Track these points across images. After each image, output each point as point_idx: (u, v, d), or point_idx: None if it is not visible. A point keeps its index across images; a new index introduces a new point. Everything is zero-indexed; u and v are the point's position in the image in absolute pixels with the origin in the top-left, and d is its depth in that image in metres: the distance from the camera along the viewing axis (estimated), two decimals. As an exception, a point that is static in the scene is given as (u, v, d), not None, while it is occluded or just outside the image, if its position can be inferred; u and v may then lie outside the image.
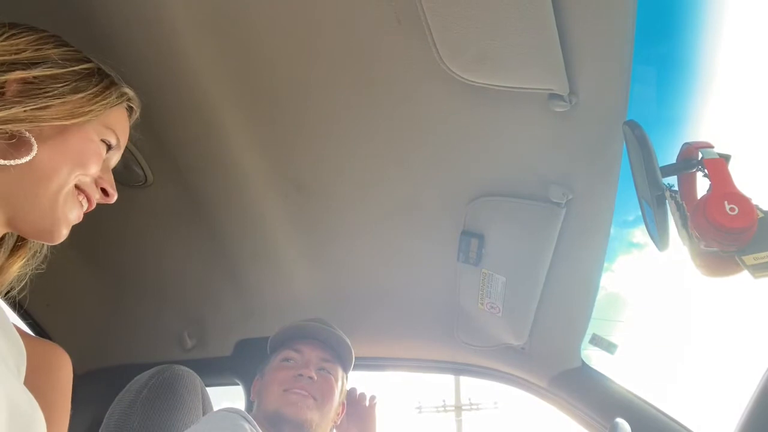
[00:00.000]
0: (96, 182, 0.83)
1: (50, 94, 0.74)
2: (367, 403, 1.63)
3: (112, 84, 0.84)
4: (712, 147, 0.90)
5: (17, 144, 0.71)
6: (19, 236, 0.84)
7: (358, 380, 1.72)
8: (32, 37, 0.77)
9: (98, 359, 1.85)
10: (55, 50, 0.78)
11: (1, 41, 0.74)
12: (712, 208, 0.79)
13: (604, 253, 1.37)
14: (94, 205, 0.84)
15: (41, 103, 0.73)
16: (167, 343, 1.85)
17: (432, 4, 0.88)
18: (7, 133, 0.70)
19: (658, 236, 0.98)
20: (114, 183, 0.86)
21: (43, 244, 0.87)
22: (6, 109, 0.70)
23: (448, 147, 1.26)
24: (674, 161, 0.95)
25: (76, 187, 0.79)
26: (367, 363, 1.90)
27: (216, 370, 1.85)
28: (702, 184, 0.91)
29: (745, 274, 0.80)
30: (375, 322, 1.81)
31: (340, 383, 1.48)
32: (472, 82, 1.03)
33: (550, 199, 1.27)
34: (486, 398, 16.68)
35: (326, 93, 1.17)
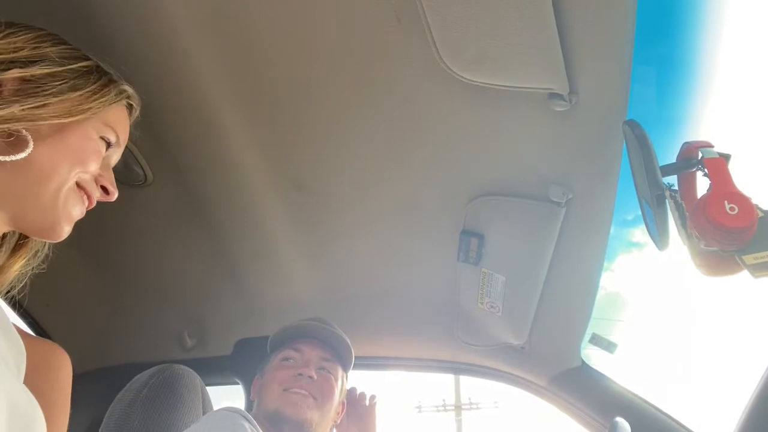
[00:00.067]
0: (96, 180, 0.83)
1: (48, 92, 0.74)
2: (367, 403, 1.63)
3: (111, 81, 0.84)
4: (712, 146, 0.90)
5: (15, 142, 0.71)
6: (20, 235, 0.84)
7: (358, 380, 1.72)
8: (30, 35, 0.77)
9: (98, 359, 1.85)
10: (53, 48, 0.78)
11: None
12: (712, 207, 0.79)
13: (604, 252, 1.37)
14: (94, 203, 0.83)
15: (39, 101, 0.72)
16: (167, 342, 1.85)
17: (432, 3, 0.88)
18: (5, 131, 0.70)
19: (658, 236, 0.98)
20: (114, 181, 0.86)
21: (44, 244, 0.87)
22: (4, 107, 0.70)
23: (448, 147, 1.26)
24: (674, 161, 0.95)
25: (77, 184, 0.79)
26: (367, 362, 1.90)
27: (216, 370, 1.85)
28: (702, 184, 0.91)
29: (745, 274, 0.80)
30: (375, 322, 1.81)
31: (340, 383, 1.48)
32: (472, 81, 1.03)
33: (550, 199, 1.27)
34: (486, 398, 16.69)
35: (326, 93, 1.17)
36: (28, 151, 0.71)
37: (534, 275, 1.44)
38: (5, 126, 0.70)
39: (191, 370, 1.48)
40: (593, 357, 1.70)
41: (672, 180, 0.94)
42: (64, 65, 0.77)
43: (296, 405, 1.35)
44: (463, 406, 16.27)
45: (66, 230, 0.79)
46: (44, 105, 0.73)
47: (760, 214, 0.79)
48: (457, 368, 1.90)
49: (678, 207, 0.89)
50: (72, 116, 0.75)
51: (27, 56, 0.75)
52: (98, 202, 0.84)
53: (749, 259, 0.79)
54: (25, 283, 0.86)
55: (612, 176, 1.19)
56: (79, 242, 1.16)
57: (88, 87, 0.79)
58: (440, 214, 1.44)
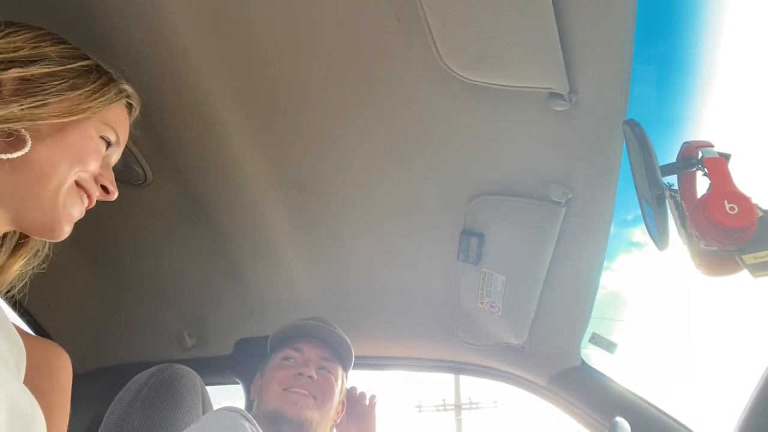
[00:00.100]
0: (96, 179, 0.82)
1: (48, 91, 0.74)
2: (367, 402, 1.63)
3: (111, 81, 0.84)
4: (712, 146, 0.90)
5: (15, 142, 0.71)
6: (20, 235, 0.84)
7: (358, 379, 1.72)
8: (30, 34, 0.77)
9: (98, 358, 1.85)
10: (53, 48, 0.78)
11: None
12: (712, 207, 0.79)
13: (603, 252, 1.37)
14: (94, 202, 0.83)
15: (39, 101, 0.72)
16: (167, 342, 1.85)
17: (432, 2, 0.88)
18: (5, 131, 0.70)
19: (658, 235, 0.98)
20: (114, 180, 0.86)
21: (44, 244, 0.87)
22: (3, 107, 0.69)
23: (448, 146, 1.26)
24: (674, 160, 0.95)
25: (77, 183, 0.79)
26: (367, 362, 1.90)
27: (216, 369, 1.85)
28: (702, 183, 0.91)
29: (744, 274, 0.80)
30: (375, 322, 1.81)
31: (340, 382, 1.48)
32: (472, 80, 1.03)
33: (550, 198, 1.27)
34: (486, 397, 16.69)
35: (326, 93, 1.17)
36: (26, 149, 0.71)
37: (534, 275, 1.44)
38: (5, 126, 0.69)
39: (191, 369, 1.48)
40: (593, 356, 1.70)
41: (672, 180, 0.93)
42: (64, 64, 0.77)
43: (296, 404, 1.35)
44: (463, 406, 16.28)
45: (66, 230, 0.79)
46: (44, 104, 0.73)
47: (760, 214, 0.79)
48: (457, 368, 1.90)
49: (678, 207, 0.89)
50: (72, 116, 0.75)
51: (27, 56, 0.75)
52: (98, 202, 0.84)
53: (749, 258, 0.79)
54: (26, 282, 0.86)
55: (612, 176, 1.19)
56: (79, 242, 1.16)
57: (88, 86, 0.79)
58: (440, 214, 1.44)
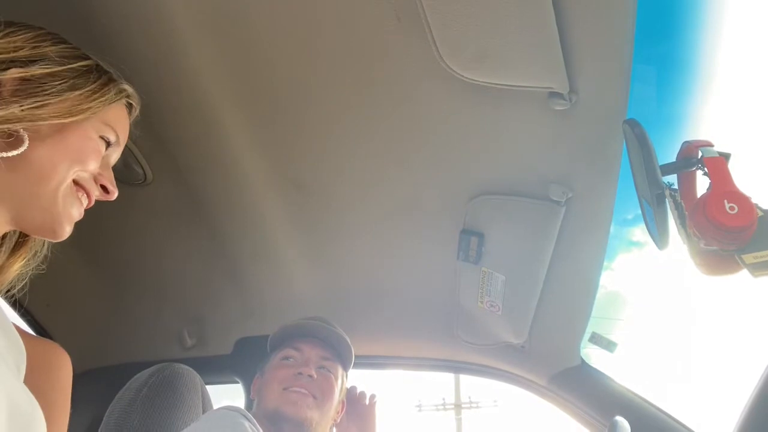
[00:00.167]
0: (95, 179, 0.82)
1: (48, 92, 0.74)
2: (367, 402, 1.63)
3: (111, 81, 0.84)
4: (712, 145, 0.90)
5: (15, 142, 0.71)
6: (20, 235, 0.84)
7: (358, 379, 1.72)
8: (30, 34, 0.77)
9: (98, 358, 1.85)
10: (53, 47, 0.78)
11: None
12: (711, 206, 0.79)
13: (603, 251, 1.37)
14: (93, 202, 0.83)
15: (39, 101, 0.72)
16: (167, 341, 1.85)
17: (432, 1, 0.88)
18: (5, 132, 0.70)
19: (658, 235, 0.98)
20: (114, 180, 0.86)
21: (43, 244, 0.87)
22: (4, 108, 0.69)
23: (448, 146, 1.26)
24: (674, 160, 0.95)
25: (75, 182, 0.79)
26: (367, 361, 1.91)
27: (216, 369, 1.85)
28: (702, 183, 0.91)
29: (744, 273, 0.80)
30: (375, 321, 1.81)
31: (340, 382, 1.48)
32: (472, 80, 1.03)
33: (550, 198, 1.27)
34: (486, 396, 16.68)
35: (326, 93, 1.17)
36: (23, 148, 0.71)
37: (534, 274, 1.44)
38: (5, 126, 0.69)
39: (191, 369, 1.48)
40: (593, 356, 1.70)
41: (672, 179, 0.94)
42: (64, 65, 0.77)
43: (296, 404, 1.35)
44: (462, 405, 16.28)
45: (67, 230, 0.79)
46: (44, 105, 0.73)
47: (760, 214, 0.79)
48: (457, 367, 1.90)
49: (678, 206, 0.89)
50: (72, 116, 0.75)
51: (27, 56, 0.75)
52: (98, 202, 0.84)
53: (749, 258, 0.79)
54: (26, 282, 0.86)
55: (612, 175, 1.19)
56: (79, 242, 1.16)
57: (88, 86, 0.79)
58: (440, 214, 1.44)
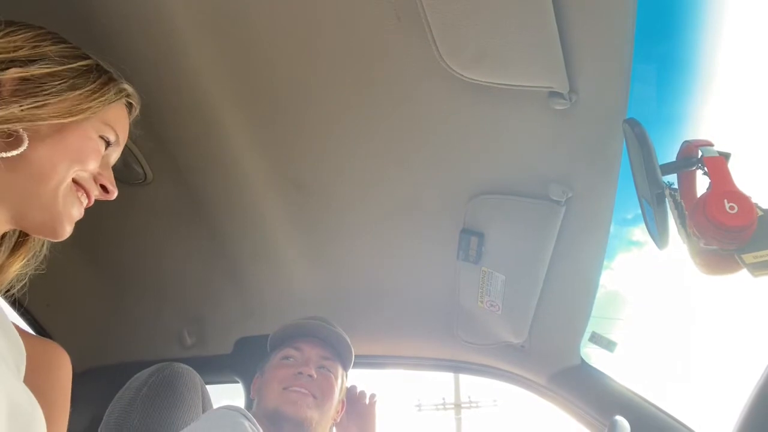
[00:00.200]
0: (95, 178, 0.82)
1: (48, 91, 0.73)
2: (367, 401, 1.63)
3: (111, 80, 0.83)
4: (712, 145, 0.90)
5: (14, 142, 0.71)
6: (20, 235, 0.84)
7: (357, 378, 1.72)
8: (29, 34, 0.77)
9: (98, 357, 1.85)
10: (53, 47, 0.78)
11: None
12: (711, 206, 0.79)
13: (603, 251, 1.37)
14: (92, 201, 0.83)
15: (39, 101, 0.72)
16: (167, 341, 1.85)
17: (432, 1, 0.88)
18: (5, 132, 0.70)
19: (658, 234, 0.98)
20: (114, 180, 0.86)
21: (43, 244, 0.87)
22: (3, 108, 0.69)
23: (448, 146, 1.26)
24: (674, 159, 0.95)
25: (74, 182, 0.79)
26: (367, 361, 1.91)
27: (216, 368, 1.85)
28: (702, 183, 0.91)
29: (744, 273, 0.80)
30: (375, 321, 1.81)
31: (339, 381, 1.48)
32: (472, 79, 1.03)
33: (549, 197, 1.27)
34: (485, 396, 16.69)
35: (326, 93, 1.17)
36: (23, 147, 0.71)
37: (534, 274, 1.44)
38: (5, 126, 0.69)
39: (191, 368, 1.48)
40: (593, 355, 1.70)
41: (672, 179, 0.94)
42: (64, 64, 0.77)
43: (296, 403, 1.35)
44: (462, 405, 16.28)
45: (67, 229, 0.79)
46: (44, 105, 0.72)
47: (760, 213, 0.79)
48: (457, 367, 1.90)
49: (678, 206, 0.89)
50: (72, 116, 0.75)
51: (26, 55, 0.75)
52: (98, 201, 0.84)
53: (749, 258, 0.79)
54: (26, 282, 0.86)
55: (612, 175, 1.19)
56: (79, 241, 1.16)
57: (88, 86, 0.78)
58: (440, 213, 1.44)
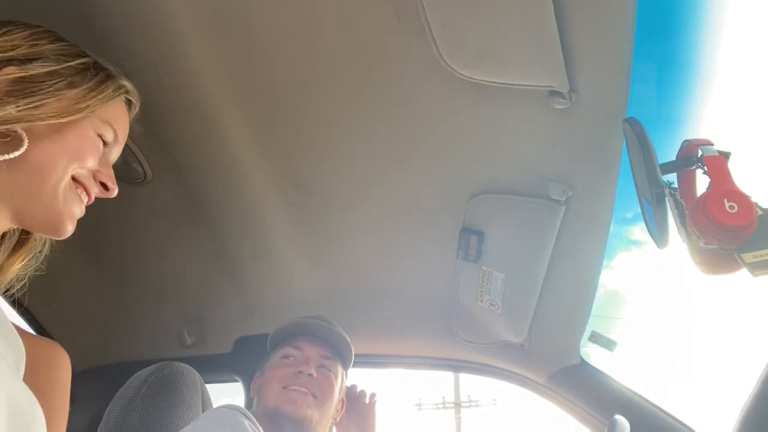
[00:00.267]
0: (95, 176, 0.82)
1: (45, 91, 0.73)
2: (367, 400, 1.63)
3: (109, 77, 0.83)
4: (712, 144, 0.90)
5: (12, 142, 0.71)
6: (21, 234, 0.84)
7: (357, 377, 1.72)
8: (26, 32, 0.76)
9: (98, 356, 1.85)
10: (50, 45, 0.77)
11: None
12: (711, 205, 0.79)
13: (603, 250, 1.37)
14: (92, 199, 0.83)
15: (37, 101, 0.72)
16: (167, 340, 1.85)
17: (432, 1, 0.88)
18: (2, 132, 0.70)
19: (658, 234, 0.98)
20: (114, 177, 0.85)
21: (44, 244, 0.87)
22: (0, 108, 0.69)
23: (448, 145, 1.26)
24: (674, 158, 0.95)
25: (74, 179, 0.78)
26: (367, 360, 1.90)
27: (216, 367, 1.85)
28: (702, 182, 0.91)
29: (744, 272, 0.80)
30: (375, 320, 1.81)
31: (339, 380, 1.48)
32: (472, 79, 1.03)
33: (549, 197, 1.27)
34: (485, 395, 16.70)
35: (326, 93, 1.17)
36: (23, 149, 0.71)
37: (533, 273, 1.44)
38: (2, 127, 0.69)
39: (191, 367, 1.48)
40: (593, 355, 1.70)
41: (672, 178, 0.94)
42: (62, 63, 0.77)
43: (296, 403, 1.35)
44: (462, 404, 16.29)
45: (69, 228, 0.79)
46: (42, 105, 0.72)
47: (760, 213, 0.79)
48: (457, 366, 1.90)
49: (677, 205, 0.89)
50: (70, 115, 0.75)
51: (24, 54, 0.74)
52: (98, 200, 0.84)
53: (748, 257, 0.79)
54: (25, 282, 0.86)
55: (612, 174, 1.19)
56: (79, 240, 1.16)
57: (85, 84, 0.78)
58: (440, 213, 1.44)
